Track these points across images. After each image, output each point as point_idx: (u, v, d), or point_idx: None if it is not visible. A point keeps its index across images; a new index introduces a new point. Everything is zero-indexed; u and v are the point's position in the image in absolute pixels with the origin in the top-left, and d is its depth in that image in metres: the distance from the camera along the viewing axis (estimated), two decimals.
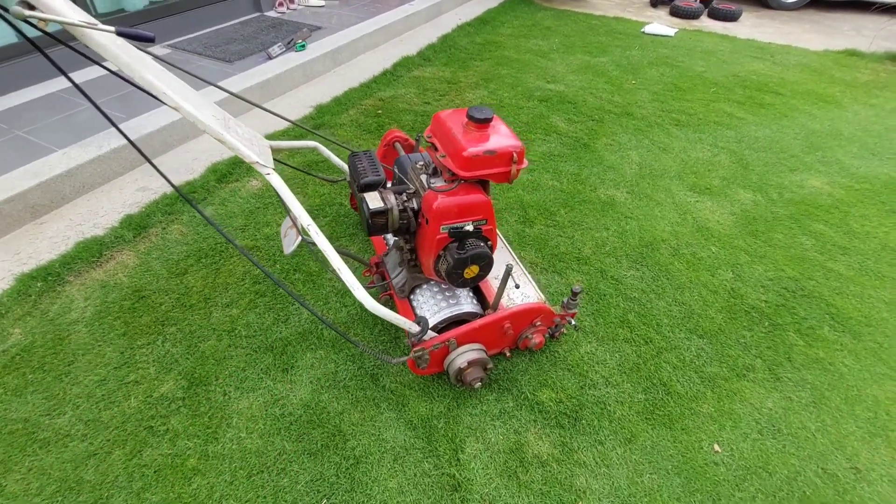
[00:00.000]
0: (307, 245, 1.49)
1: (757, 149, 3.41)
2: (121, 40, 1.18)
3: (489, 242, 1.68)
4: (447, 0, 5.76)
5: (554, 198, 2.81)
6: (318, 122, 3.37)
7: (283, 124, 3.27)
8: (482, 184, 1.67)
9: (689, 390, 1.86)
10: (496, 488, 1.55)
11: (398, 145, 2.21)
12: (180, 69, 1.67)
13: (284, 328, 2.01)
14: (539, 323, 1.83)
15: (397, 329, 2.01)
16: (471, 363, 1.69)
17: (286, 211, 1.53)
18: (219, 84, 2.44)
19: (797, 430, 1.76)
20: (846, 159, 3.36)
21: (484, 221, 1.62)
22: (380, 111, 3.57)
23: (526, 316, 1.79)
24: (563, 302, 1.86)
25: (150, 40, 1.08)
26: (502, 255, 2.07)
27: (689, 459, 1.65)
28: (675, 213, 2.75)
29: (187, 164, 2.95)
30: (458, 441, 1.67)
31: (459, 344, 1.70)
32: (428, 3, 5.46)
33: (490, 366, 1.75)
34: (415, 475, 1.58)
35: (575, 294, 1.81)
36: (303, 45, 4.05)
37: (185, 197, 1.45)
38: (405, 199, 1.64)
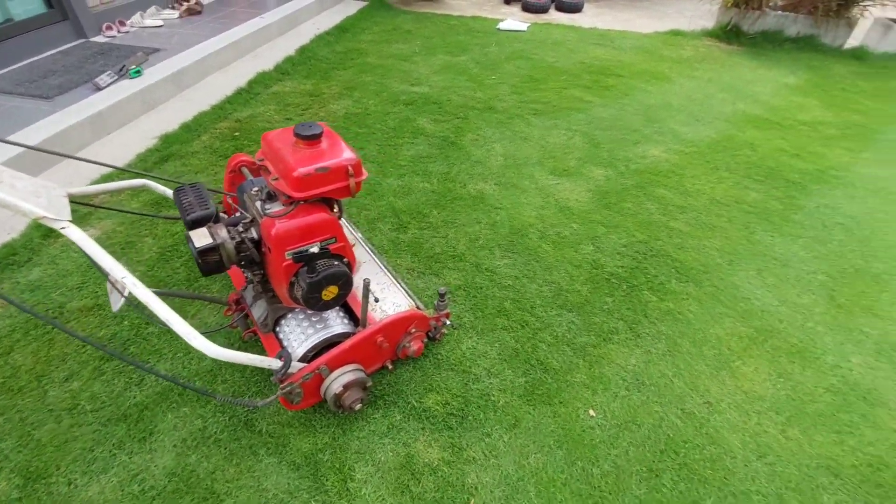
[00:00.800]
0: (127, 301, 1.33)
1: (605, 128, 3.74)
2: None
3: (345, 259, 1.63)
4: (302, 10, 5.58)
5: (426, 200, 2.83)
6: (164, 153, 3.07)
7: (121, 162, 2.92)
8: (327, 201, 1.62)
9: (563, 364, 1.97)
10: None
11: (245, 170, 2.07)
12: None
13: (139, 392, 1.79)
14: (415, 330, 1.82)
15: None
16: (347, 386, 1.63)
17: (95, 266, 1.35)
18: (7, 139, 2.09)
19: (657, 380, 1.94)
20: (677, 127, 3.81)
21: (332, 240, 1.56)
22: (237, 133, 3.35)
23: (399, 326, 1.77)
24: (435, 304, 1.88)
25: None
26: (371, 268, 2.03)
27: (568, 430, 1.74)
28: (539, 197, 2.91)
29: (4, 222, 2.52)
30: (346, 470, 1.60)
31: (333, 368, 1.63)
32: (281, 15, 5.24)
33: (369, 384, 1.70)
34: None
35: (441, 295, 1.83)
36: (138, 71, 3.66)
37: None
38: (242, 229, 1.53)
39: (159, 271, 2.27)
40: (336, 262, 1.58)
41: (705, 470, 1.66)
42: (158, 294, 1.28)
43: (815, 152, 3.57)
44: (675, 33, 6.10)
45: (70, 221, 1.29)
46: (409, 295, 1.95)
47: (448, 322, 1.92)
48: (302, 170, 1.43)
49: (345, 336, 1.73)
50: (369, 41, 5.25)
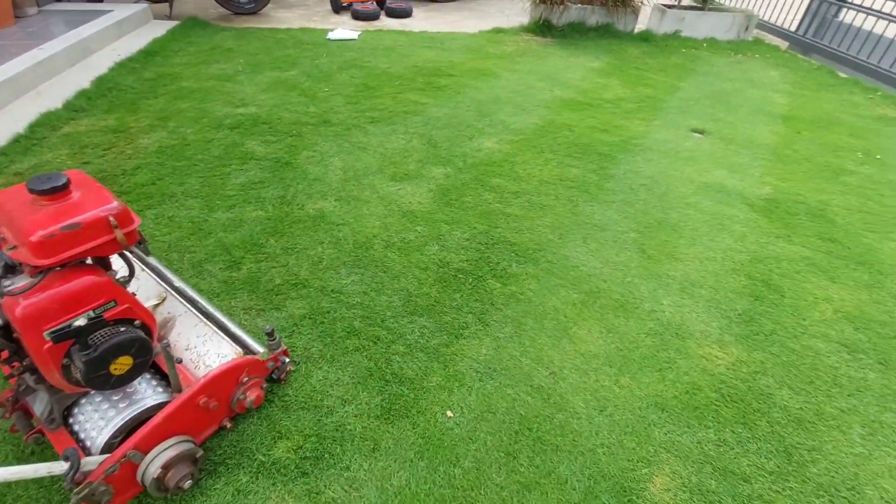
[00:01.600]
0: None
1: (441, 127, 3.85)
2: None
3: (136, 322, 1.41)
4: (95, 36, 4.87)
5: (261, 229, 2.63)
6: None
7: None
8: (99, 259, 1.38)
9: (418, 371, 1.96)
10: None
11: None
12: None
13: None
14: (248, 378, 1.66)
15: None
16: (168, 465, 1.42)
17: None
18: None
19: (507, 363, 2.02)
20: (506, 118, 4.08)
21: (111, 304, 1.33)
22: None
23: (226, 378, 1.59)
24: (267, 344, 1.73)
25: None
26: (187, 320, 1.81)
27: (428, 438, 1.73)
28: (382, 206, 2.89)
29: None
30: None
31: (146, 450, 1.41)
32: (67, 44, 4.51)
33: (199, 454, 1.51)
34: None
35: (270, 335, 1.69)
36: None
37: None
38: None
39: None
40: (122, 329, 1.35)
41: (556, 438, 1.77)
42: None
43: (619, 126, 4.08)
44: (498, 31, 6.56)
45: None
46: (238, 341, 1.77)
47: (286, 360, 1.79)
48: (42, 232, 1.19)
49: (160, 407, 1.50)
50: (184, 64, 4.77)
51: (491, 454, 1.69)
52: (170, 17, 6.08)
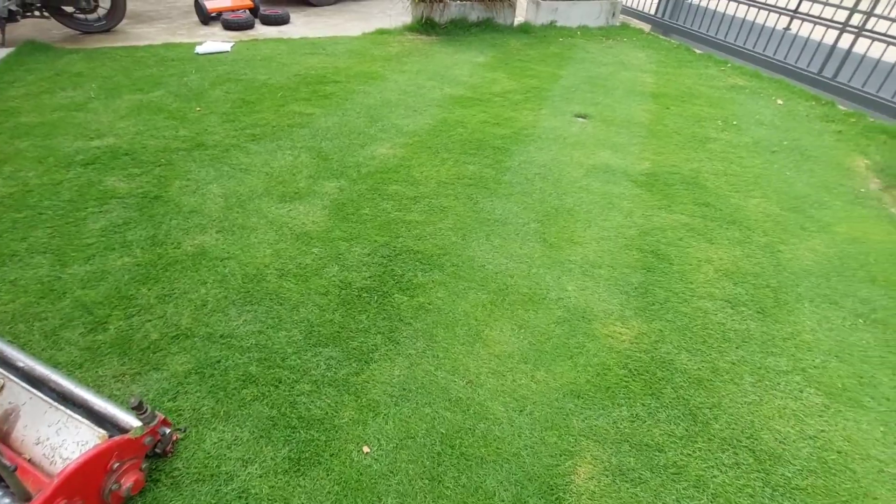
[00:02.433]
0: None
1: (330, 137, 3.67)
2: None
3: None
4: None
5: (129, 278, 2.30)
6: None
7: None
8: None
9: (328, 409, 1.81)
10: None
11: None
12: None
13: None
14: (118, 464, 1.41)
15: None
16: None
17: None
18: None
19: (422, 380, 1.94)
20: (398, 121, 3.99)
21: None
22: None
23: (91, 469, 1.34)
24: (140, 418, 1.49)
25: None
26: (33, 408, 1.51)
27: (345, 483, 1.60)
28: (272, 231, 2.67)
29: None
30: None
31: None
32: None
33: None
34: None
35: (138, 407, 1.45)
36: None
37: None
38: None
39: None
40: None
41: (480, 450, 1.72)
42: None
43: (510, 118, 4.16)
44: (382, 32, 6.43)
45: None
46: (106, 419, 1.50)
47: (169, 430, 1.56)
48: None
49: None
50: (22, 95, 4.09)
51: (414, 484, 1.60)
52: (1, 45, 5.20)
